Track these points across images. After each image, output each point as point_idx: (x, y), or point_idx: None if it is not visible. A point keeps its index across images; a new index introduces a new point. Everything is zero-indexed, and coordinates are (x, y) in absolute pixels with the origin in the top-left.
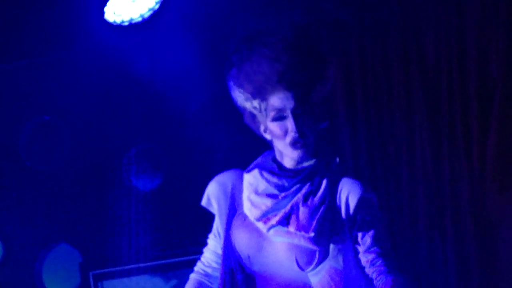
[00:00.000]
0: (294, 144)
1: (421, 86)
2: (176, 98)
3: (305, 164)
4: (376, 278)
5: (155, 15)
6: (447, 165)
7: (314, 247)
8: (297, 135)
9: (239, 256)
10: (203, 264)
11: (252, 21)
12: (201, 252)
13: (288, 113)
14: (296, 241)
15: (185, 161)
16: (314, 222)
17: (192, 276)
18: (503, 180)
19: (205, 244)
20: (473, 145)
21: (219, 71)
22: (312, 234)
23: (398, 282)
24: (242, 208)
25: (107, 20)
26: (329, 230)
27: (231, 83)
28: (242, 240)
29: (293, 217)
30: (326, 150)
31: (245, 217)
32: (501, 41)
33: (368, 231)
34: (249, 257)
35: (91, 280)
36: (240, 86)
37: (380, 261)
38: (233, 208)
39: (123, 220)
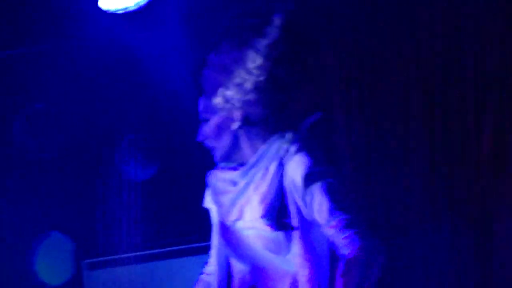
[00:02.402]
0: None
1: (416, 71)
2: (172, 87)
3: (256, 153)
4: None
5: (151, 3)
6: (443, 150)
7: (275, 233)
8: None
9: (228, 253)
10: (209, 263)
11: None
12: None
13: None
14: (257, 230)
15: (179, 152)
16: (264, 208)
17: (201, 276)
18: (499, 164)
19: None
20: (469, 130)
21: None
22: (264, 220)
23: (356, 260)
24: None
25: (102, 8)
26: (282, 213)
27: None
28: (225, 239)
29: (247, 208)
30: (278, 135)
31: None
32: (497, 36)
33: (322, 205)
34: (234, 254)
35: (84, 268)
36: None
37: (339, 236)
38: None
39: (117, 208)
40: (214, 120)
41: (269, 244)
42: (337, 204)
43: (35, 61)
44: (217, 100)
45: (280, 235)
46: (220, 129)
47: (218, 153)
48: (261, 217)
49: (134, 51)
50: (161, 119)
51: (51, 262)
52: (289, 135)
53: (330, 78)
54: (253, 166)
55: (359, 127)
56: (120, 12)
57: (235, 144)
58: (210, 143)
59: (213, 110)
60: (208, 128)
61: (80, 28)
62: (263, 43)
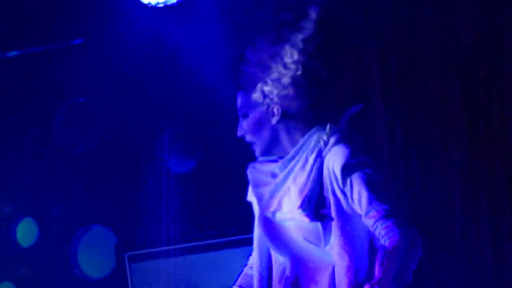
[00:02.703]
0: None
1: (455, 63)
2: (212, 81)
3: (295, 146)
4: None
5: None
6: (482, 142)
7: (313, 223)
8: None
9: (269, 245)
10: (252, 255)
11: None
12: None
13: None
14: (296, 220)
15: (220, 144)
16: (302, 199)
17: (244, 269)
18: None
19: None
20: (509, 123)
21: None
22: (301, 211)
23: (395, 249)
24: None
25: (142, 2)
26: (320, 204)
27: None
28: (266, 231)
29: (286, 199)
30: (317, 127)
31: None
32: None
33: (361, 195)
34: (274, 245)
35: (126, 261)
36: None
37: (379, 226)
38: None
39: (158, 202)
40: (253, 115)
41: (308, 235)
42: (376, 194)
43: (76, 54)
44: (256, 95)
45: (318, 225)
46: (259, 123)
47: (258, 148)
48: (299, 207)
49: (173, 44)
50: (202, 111)
51: (94, 255)
52: (328, 127)
53: (369, 70)
54: (292, 157)
55: (398, 119)
56: (160, 5)
57: (274, 138)
58: (249, 138)
59: (251, 105)
60: (247, 123)
61: (120, 21)
62: (299, 37)
